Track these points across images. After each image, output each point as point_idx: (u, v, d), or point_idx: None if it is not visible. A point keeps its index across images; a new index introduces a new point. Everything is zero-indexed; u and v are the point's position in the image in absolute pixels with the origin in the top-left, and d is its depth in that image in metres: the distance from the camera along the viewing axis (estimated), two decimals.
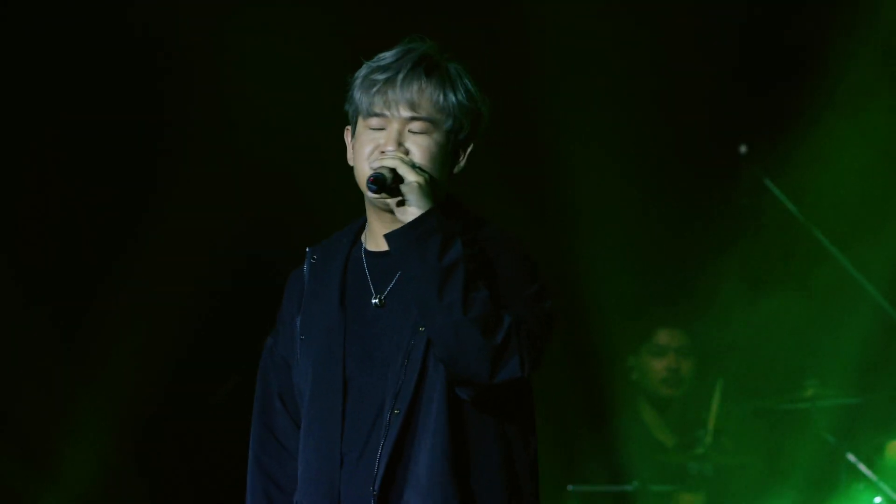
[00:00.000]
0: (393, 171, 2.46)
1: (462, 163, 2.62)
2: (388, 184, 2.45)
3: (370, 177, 2.44)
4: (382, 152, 2.52)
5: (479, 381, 2.43)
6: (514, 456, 2.53)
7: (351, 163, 2.61)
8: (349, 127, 2.64)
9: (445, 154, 2.57)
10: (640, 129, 6.05)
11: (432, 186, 2.50)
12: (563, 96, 5.89)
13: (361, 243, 2.64)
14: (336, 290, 2.60)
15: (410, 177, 2.46)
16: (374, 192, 2.45)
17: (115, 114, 5.72)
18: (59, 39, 5.59)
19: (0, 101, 5.62)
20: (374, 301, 2.55)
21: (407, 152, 2.52)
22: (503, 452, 2.51)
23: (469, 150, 2.62)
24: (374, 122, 2.54)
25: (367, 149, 2.55)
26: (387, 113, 2.53)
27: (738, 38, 6.16)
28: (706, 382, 6.07)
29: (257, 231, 5.64)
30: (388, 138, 2.53)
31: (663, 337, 6.03)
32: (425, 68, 2.53)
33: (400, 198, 2.47)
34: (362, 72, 2.57)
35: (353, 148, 2.60)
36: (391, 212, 2.51)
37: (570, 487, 5.91)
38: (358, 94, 2.56)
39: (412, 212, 2.46)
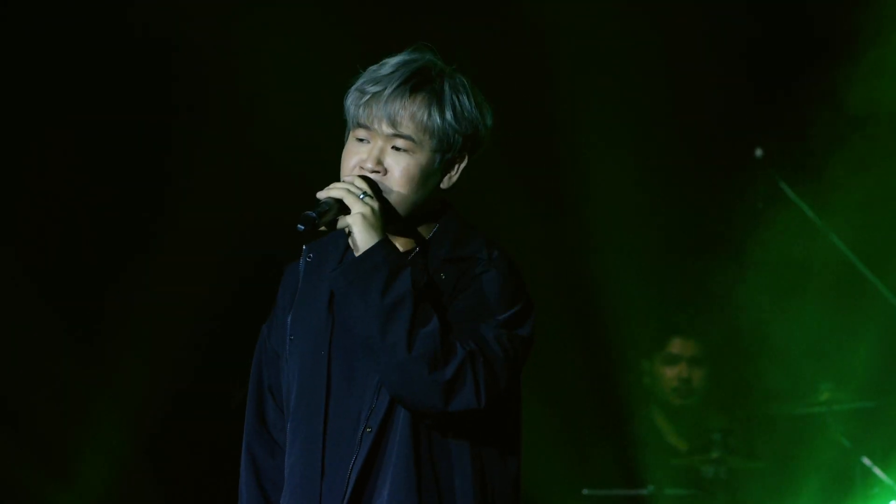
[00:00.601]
0: (339, 200, 2.44)
1: (454, 178, 2.57)
2: (320, 221, 2.42)
3: (301, 216, 2.42)
4: (362, 168, 2.50)
5: (434, 412, 2.39)
6: (489, 478, 2.49)
7: None
8: None
9: (428, 173, 2.52)
10: (654, 132, 6.04)
11: (383, 215, 2.45)
12: (579, 100, 5.89)
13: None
14: (326, 295, 2.56)
15: (356, 208, 2.42)
16: (303, 231, 2.42)
17: (125, 114, 5.73)
18: (66, 39, 5.60)
19: (5, 103, 5.66)
20: None
21: (386, 171, 2.49)
22: (477, 475, 2.47)
23: (462, 165, 2.57)
24: (360, 133, 2.52)
25: (351, 161, 2.53)
26: (371, 127, 2.50)
27: (752, 40, 6.16)
28: (719, 390, 6.09)
29: (270, 231, 5.63)
30: (370, 154, 2.50)
31: (676, 346, 6.04)
32: (413, 85, 2.50)
33: (346, 229, 2.45)
34: (359, 80, 2.55)
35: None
36: None
37: (584, 491, 5.91)
38: (348, 103, 2.55)
39: (358, 248, 2.43)
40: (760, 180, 6.01)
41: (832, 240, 5.87)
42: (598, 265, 6.00)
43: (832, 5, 6.04)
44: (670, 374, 6.01)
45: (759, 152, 5.98)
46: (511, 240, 5.85)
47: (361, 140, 2.52)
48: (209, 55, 5.57)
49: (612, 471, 6.01)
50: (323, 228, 2.46)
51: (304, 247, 2.66)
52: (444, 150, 2.52)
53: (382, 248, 2.41)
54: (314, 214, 2.41)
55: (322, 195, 2.46)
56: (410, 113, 2.48)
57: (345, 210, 2.44)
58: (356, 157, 2.52)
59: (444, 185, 2.57)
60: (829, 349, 6.04)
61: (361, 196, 2.44)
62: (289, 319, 2.62)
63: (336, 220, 2.44)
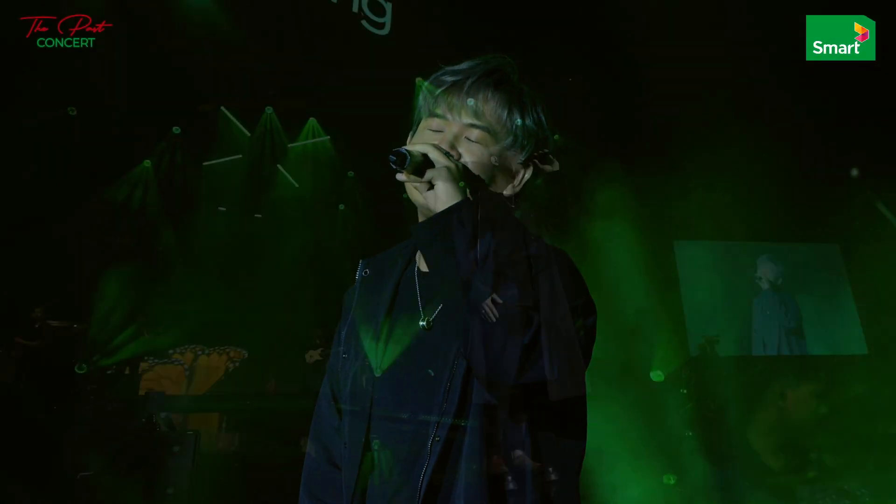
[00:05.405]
0: (424, 155, 2.40)
1: (518, 187, 2.55)
2: (410, 161, 2.37)
3: (393, 150, 2.37)
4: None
5: (506, 380, 2.34)
6: (554, 487, 2.48)
7: None
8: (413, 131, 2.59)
9: (497, 168, 2.50)
10: (752, 154, 6.04)
11: (465, 177, 2.42)
12: (688, 114, 5.92)
13: (416, 262, 2.59)
14: (384, 309, 2.56)
15: (441, 161, 2.39)
16: (394, 163, 2.37)
17: None
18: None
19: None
20: (421, 324, 2.50)
21: (459, 157, 2.46)
22: (538, 481, 2.46)
23: (526, 176, 2.54)
24: (434, 123, 2.50)
25: None
26: (448, 116, 2.48)
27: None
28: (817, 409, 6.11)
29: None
30: (443, 140, 2.47)
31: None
32: (495, 80, 2.48)
33: (429, 182, 2.40)
34: (434, 74, 2.52)
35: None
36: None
37: None
38: (424, 95, 2.52)
39: (441, 200, 2.39)
40: (856, 200, 6.02)
41: None
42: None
43: None
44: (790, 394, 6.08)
45: (854, 172, 5.99)
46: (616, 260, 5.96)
47: (434, 130, 2.49)
48: None
49: (709, 490, 6.02)
50: (409, 174, 2.39)
51: (360, 261, 2.65)
52: (517, 150, 2.50)
53: (467, 205, 2.37)
54: (405, 151, 2.37)
55: (405, 149, 2.42)
56: (491, 106, 2.47)
57: (428, 164, 2.40)
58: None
59: (508, 192, 2.55)
60: None
61: (446, 153, 2.42)
62: (343, 335, 2.62)
63: (423, 170, 2.40)
